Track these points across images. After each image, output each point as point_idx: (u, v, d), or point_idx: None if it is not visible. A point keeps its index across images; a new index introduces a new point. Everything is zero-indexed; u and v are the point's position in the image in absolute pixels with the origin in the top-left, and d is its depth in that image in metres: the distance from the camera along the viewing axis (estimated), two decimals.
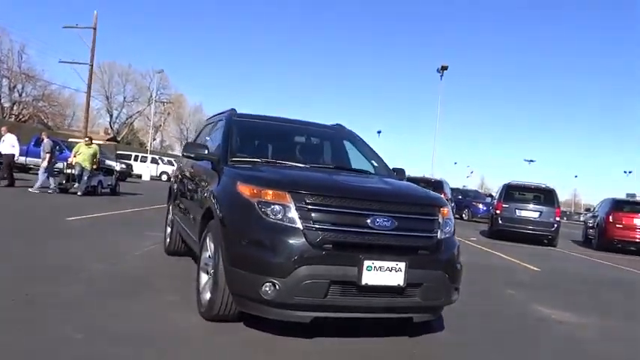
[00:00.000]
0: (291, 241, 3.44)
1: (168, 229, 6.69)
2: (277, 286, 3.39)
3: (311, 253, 3.42)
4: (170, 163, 40.53)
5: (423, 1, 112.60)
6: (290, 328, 3.70)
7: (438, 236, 3.81)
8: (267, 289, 3.40)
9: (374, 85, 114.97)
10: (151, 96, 58.87)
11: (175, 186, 6.24)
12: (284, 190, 3.60)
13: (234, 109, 5.42)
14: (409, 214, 3.76)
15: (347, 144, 5.57)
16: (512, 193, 15.92)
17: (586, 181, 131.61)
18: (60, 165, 16.22)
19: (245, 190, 3.74)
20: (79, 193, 14.36)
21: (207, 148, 4.69)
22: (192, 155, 4.71)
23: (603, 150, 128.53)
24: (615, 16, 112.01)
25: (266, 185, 3.67)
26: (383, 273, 3.50)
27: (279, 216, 3.52)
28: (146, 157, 39.41)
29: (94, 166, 15.12)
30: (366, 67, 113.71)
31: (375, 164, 5.19)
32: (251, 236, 3.56)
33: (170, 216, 6.66)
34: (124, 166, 27.56)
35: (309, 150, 5.44)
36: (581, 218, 27.51)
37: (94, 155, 15.07)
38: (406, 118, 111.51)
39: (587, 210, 26.01)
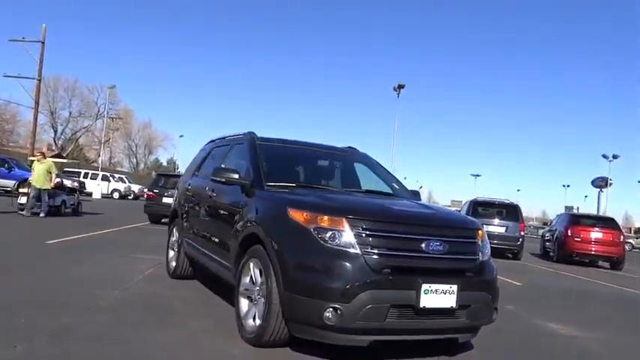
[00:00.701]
0: (352, 267, 3.49)
1: (172, 253, 6.56)
2: (340, 312, 3.41)
3: (372, 278, 3.48)
4: (122, 180, 39.31)
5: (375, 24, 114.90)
6: (334, 351, 3.72)
7: (480, 258, 3.96)
8: (330, 314, 3.42)
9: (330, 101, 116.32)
10: (99, 111, 57.21)
11: (185, 209, 6.12)
12: (340, 215, 3.65)
13: (253, 133, 5.43)
14: (457, 237, 3.89)
15: (362, 166, 5.68)
16: (478, 208, 16.47)
17: (527, 195, 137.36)
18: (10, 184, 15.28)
19: (297, 215, 3.76)
20: (42, 215, 13.71)
21: (239, 173, 4.67)
22: (223, 180, 4.68)
23: (544, 165, 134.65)
24: (554, 41, 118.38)
25: (321, 211, 3.71)
26: (438, 296, 3.60)
27: (338, 242, 3.56)
28: (97, 174, 38.01)
29: (52, 183, 14.24)
30: (319, 82, 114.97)
31: (397, 186, 5.32)
32: (311, 263, 3.58)
33: (174, 239, 6.53)
34: (76, 183, 26.55)
35: (334, 173, 5.51)
36: (539, 232, 29.37)
37: (48, 171, 14.19)
38: (360, 134, 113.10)
39: (545, 224, 27.22)
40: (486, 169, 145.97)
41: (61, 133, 63.00)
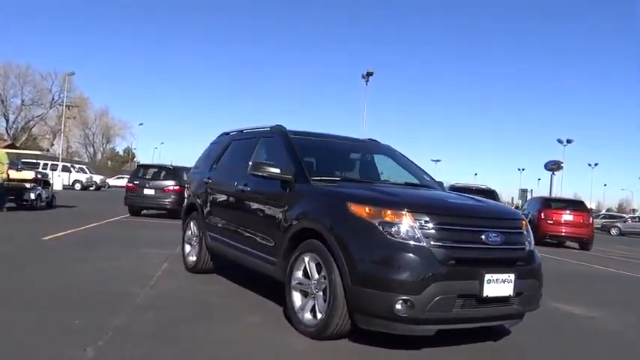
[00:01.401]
0: (421, 260, 3.59)
1: (189, 247, 6.51)
2: (411, 303, 3.52)
3: (440, 270, 3.59)
4: (82, 170, 38.12)
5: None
6: (390, 340, 3.84)
7: (528, 248, 4.14)
8: (400, 306, 3.52)
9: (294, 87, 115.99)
10: (53, 99, 55.16)
11: (206, 204, 6.06)
12: (404, 210, 3.74)
13: (283, 126, 5.44)
14: (509, 228, 4.06)
15: (387, 158, 5.77)
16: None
17: (484, 179, 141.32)
18: None
19: (360, 210, 3.82)
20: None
21: (280, 168, 4.68)
22: (265, 175, 4.68)
23: (500, 149, 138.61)
24: (514, 25, 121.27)
25: (385, 206, 3.79)
26: (498, 285, 3.75)
27: (404, 235, 3.65)
28: (56, 164, 36.66)
29: (3, 174, 13.25)
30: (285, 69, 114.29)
31: (427, 178, 5.45)
32: (379, 257, 3.65)
33: (190, 233, 6.48)
34: (39, 175, 25.60)
35: (367, 165, 5.57)
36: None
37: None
38: (328, 122, 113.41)
39: (517, 208, 28.00)
40: (444, 155, 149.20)
41: (13, 123, 60.50)
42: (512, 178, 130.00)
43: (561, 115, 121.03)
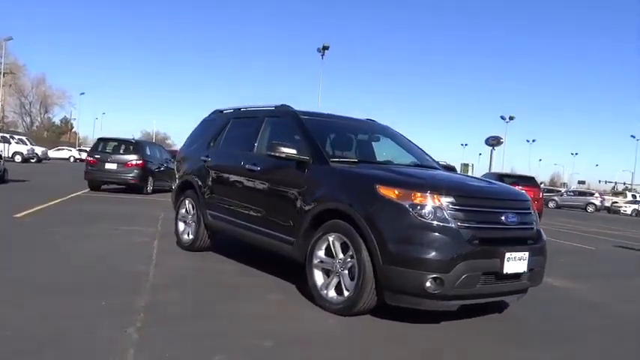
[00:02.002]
0: (451, 240, 3.80)
1: (183, 225, 6.49)
2: (441, 281, 3.74)
3: (467, 249, 3.82)
4: (22, 142, 36.25)
5: None
6: (410, 315, 4.08)
7: (535, 227, 4.44)
8: (431, 284, 3.74)
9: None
10: None
11: (206, 182, 6.02)
12: (433, 192, 3.92)
13: (289, 106, 5.48)
14: (522, 209, 4.34)
15: (387, 139, 5.93)
16: None
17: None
18: None
19: (389, 192, 3.98)
20: None
21: (296, 149, 4.75)
22: (283, 155, 4.73)
23: (443, 123, 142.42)
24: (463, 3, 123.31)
25: (414, 188, 3.96)
26: (516, 262, 4.03)
27: (433, 217, 3.84)
28: None
29: None
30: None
31: (429, 158, 5.66)
32: (410, 237, 3.83)
33: (184, 211, 6.45)
34: None
35: (377, 147, 5.70)
36: None
37: None
38: (286, 95, 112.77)
39: None
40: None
41: None
42: (455, 154, 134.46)
43: (506, 92, 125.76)
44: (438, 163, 5.67)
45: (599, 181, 78.27)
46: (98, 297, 4.09)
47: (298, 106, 5.49)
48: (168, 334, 3.44)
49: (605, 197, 45.50)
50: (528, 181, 19.14)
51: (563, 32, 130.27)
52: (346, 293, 4.11)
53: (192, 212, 6.37)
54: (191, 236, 6.32)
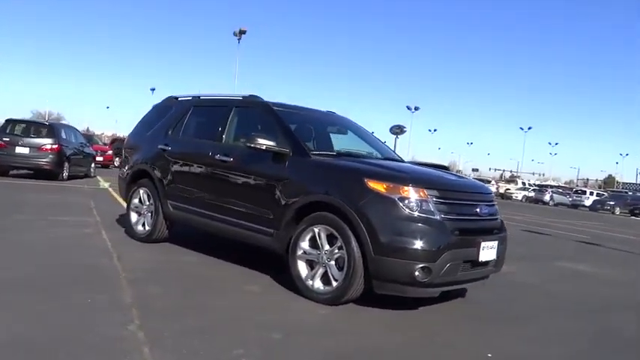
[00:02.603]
0: (437, 231, 4.06)
1: (135, 216, 6.28)
2: (428, 270, 3.99)
3: (451, 239, 4.10)
4: None
5: None
6: (389, 302, 4.32)
7: (500, 218, 4.84)
8: (419, 273, 3.98)
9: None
10: None
11: (168, 172, 5.84)
12: (420, 186, 4.16)
13: (259, 96, 5.50)
14: (490, 201, 4.71)
15: (350, 131, 6.11)
16: None
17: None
18: None
19: (378, 186, 4.15)
20: None
21: (275, 141, 4.78)
22: (263, 148, 4.74)
23: (352, 112, 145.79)
24: None
25: (401, 182, 4.16)
26: (489, 251, 4.39)
27: (422, 209, 4.08)
28: None
29: None
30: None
31: (389, 149, 5.92)
32: (400, 229, 4.03)
33: (137, 200, 6.24)
34: None
35: (344, 139, 5.82)
36: None
37: None
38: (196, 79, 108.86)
39: None
40: None
41: None
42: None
43: (413, 82, 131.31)
44: (397, 154, 5.95)
45: (489, 169, 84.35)
46: (78, 294, 3.91)
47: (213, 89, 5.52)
48: (173, 329, 3.38)
49: (500, 184, 49.21)
50: (441, 169, 20.12)
51: (467, 27, 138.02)
52: (335, 283, 4.24)
53: (147, 202, 6.18)
54: (147, 227, 6.12)
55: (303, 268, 4.48)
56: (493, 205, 4.73)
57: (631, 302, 6.00)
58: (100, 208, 9.11)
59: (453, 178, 4.97)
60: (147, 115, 6.85)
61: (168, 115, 6.32)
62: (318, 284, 4.37)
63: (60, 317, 3.42)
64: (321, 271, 4.37)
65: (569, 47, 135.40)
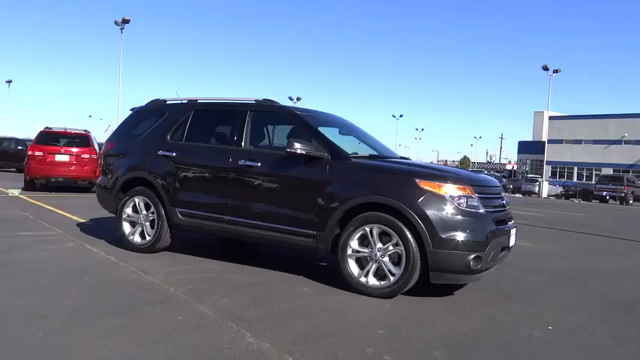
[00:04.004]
0: (484, 223, 4.57)
1: (130, 227, 6.06)
2: (480, 258, 4.48)
3: (493, 229, 4.63)
4: None
5: None
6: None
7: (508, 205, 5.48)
8: (473, 262, 4.45)
9: None
10: None
11: (179, 179, 5.67)
12: (466, 184, 4.62)
13: (274, 100, 5.58)
14: (503, 193, 5.31)
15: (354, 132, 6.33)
16: None
17: None
18: None
19: (430, 185, 4.54)
20: None
21: (311, 145, 4.94)
22: (304, 153, 4.87)
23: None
24: None
25: (451, 181, 4.59)
26: (513, 237, 4.99)
27: (470, 205, 4.55)
28: None
29: None
30: None
31: (390, 148, 6.31)
32: (454, 224, 4.45)
33: (129, 210, 6.03)
34: None
35: (353, 140, 6.01)
36: None
37: None
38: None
39: None
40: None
41: None
42: None
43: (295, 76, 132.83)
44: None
45: None
46: (158, 313, 3.82)
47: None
48: (293, 336, 3.50)
49: None
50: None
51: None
52: (392, 278, 4.56)
53: (144, 212, 5.95)
54: (148, 237, 5.90)
55: (354, 266, 4.74)
56: (504, 196, 5.35)
57: None
58: (43, 218, 8.41)
59: (479, 175, 5.50)
60: (129, 119, 6.53)
61: (162, 120, 6.10)
62: (373, 280, 4.65)
63: (174, 337, 3.36)
64: (374, 267, 4.65)
65: (437, 39, 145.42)
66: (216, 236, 6.33)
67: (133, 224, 6.05)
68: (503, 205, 5.02)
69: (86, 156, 13.75)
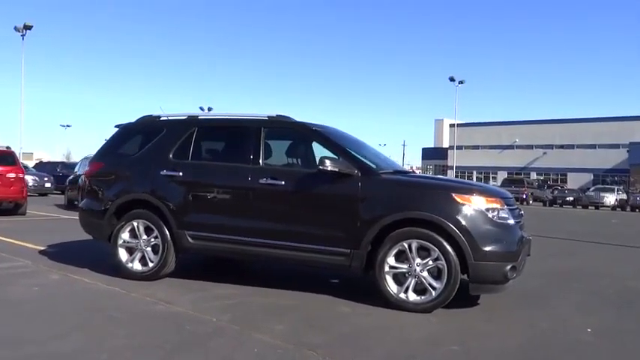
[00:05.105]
0: (516, 234, 4.78)
1: (127, 254, 5.63)
2: (514, 268, 4.67)
3: (521, 239, 4.84)
4: None
5: None
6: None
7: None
8: (509, 271, 4.63)
9: None
10: None
11: (190, 200, 5.36)
12: (497, 197, 4.80)
13: (287, 116, 5.46)
14: None
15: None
16: None
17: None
18: None
19: (466, 200, 4.66)
20: None
21: (340, 162, 4.89)
22: (336, 170, 4.81)
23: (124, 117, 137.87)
24: None
25: (484, 195, 4.74)
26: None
27: (502, 217, 4.73)
28: None
29: None
30: None
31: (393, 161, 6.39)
32: (493, 236, 4.61)
33: (126, 236, 5.61)
34: None
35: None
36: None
37: None
38: None
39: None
40: (75, 120, 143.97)
41: None
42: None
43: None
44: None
45: None
46: (233, 347, 3.58)
47: None
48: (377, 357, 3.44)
49: None
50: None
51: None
52: (434, 292, 4.61)
53: (144, 236, 5.56)
54: (151, 263, 5.50)
55: (391, 282, 4.74)
56: None
57: None
58: None
59: (501, 188, 5.71)
60: (117, 137, 6.08)
61: (160, 137, 5.73)
62: (413, 296, 4.68)
63: None
64: (413, 282, 4.69)
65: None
66: (203, 256, 6.08)
67: (130, 250, 5.62)
68: (521, 215, 5.27)
69: (11, 175, 12.51)
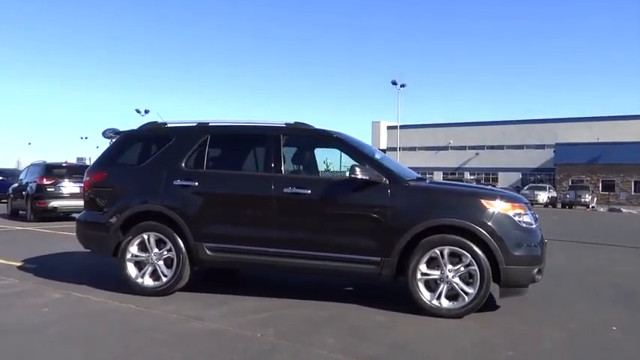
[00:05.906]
0: (539, 237, 4.94)
1: (136, 269, 5.36)
2: (541, 271, 4.84)
3: (544, 243, 5.01)
4: None
5: None
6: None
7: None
8: (537, 274, 4.79)
9: None
10: None
11: (208, 211, 5.19)
12: (521, 202, 4.95)
13: (307, 124, 5.38)
14: None
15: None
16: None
17: (41, 148, 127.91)
18: None
19: (494, 206, 4.77)
20: None
21: (367, 170, 4.87)
22: (366, 178, 4.78)
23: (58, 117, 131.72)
24: None
25: (511, 201, 4.87)
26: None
27: (530, 221, 4.88)
28: None
29: None
30: None
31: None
32: (521, 240, 4.75)
33: (135, 249, 5.34)
34: None
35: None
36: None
37: None
38: None
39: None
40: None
41: None
42: (73, 147, 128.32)
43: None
44: None
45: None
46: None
47: None
48: None
49: None
50: None
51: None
52: (467, 298, 4.68)
53: (155, 250, 5.30)
54: (164, 278, 5.25)
55: (424, 290, 4.77)
56: None
57: None
58: None
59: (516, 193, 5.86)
60: (118, 145, 5.77)
61: (169, 146, 5.47)
62: (446, 302, 4.73)
63: None
64: (445, 289, 4.74)
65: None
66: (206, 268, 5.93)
67: (139, 265, 5.33)
68: (537, 219, 5.45)
69: None
